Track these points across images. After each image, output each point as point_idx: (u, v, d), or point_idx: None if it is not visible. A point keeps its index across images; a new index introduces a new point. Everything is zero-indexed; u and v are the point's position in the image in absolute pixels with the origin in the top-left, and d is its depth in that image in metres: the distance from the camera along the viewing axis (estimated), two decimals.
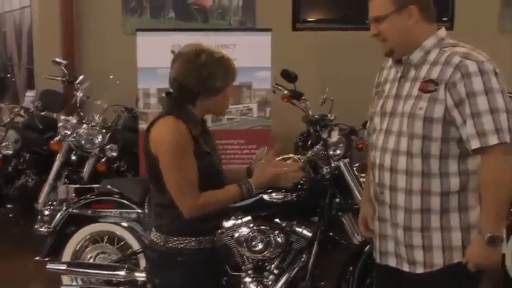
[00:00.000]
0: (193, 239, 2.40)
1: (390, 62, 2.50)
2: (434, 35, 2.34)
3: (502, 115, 2.17)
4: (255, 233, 3.33)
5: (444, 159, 2.28)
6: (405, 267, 2.40)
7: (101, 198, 4.06)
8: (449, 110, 2.22)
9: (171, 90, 2.44)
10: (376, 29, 2.35)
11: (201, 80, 2.34)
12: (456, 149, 2.26)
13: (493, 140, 2.16)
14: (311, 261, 3.41)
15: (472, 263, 2.25)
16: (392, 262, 2.46)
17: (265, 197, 3.36)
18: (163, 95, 2.49)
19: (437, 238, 2.31)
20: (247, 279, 3.35)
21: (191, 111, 2.39)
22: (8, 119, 5.78)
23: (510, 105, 2.20)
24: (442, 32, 2.37)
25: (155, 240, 2.45)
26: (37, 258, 4.03)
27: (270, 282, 3.33)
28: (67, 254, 3.99)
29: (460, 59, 2.21)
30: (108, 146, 5.17)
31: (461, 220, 2.30)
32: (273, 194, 3.35)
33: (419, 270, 2.36)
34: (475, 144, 2.18)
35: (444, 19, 5.93)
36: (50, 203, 4.18)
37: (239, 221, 3.39)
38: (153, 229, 2.49)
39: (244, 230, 3.35)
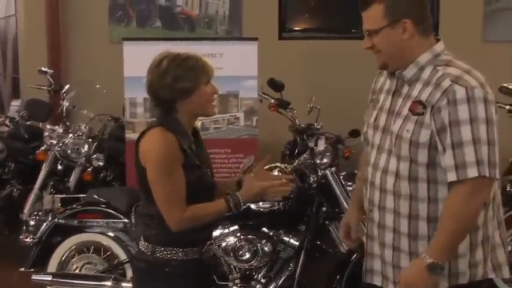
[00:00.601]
0: (180, 249, 2.39)
1: None
2: (430, 50, 2.24)
3: (483, 147, 2.07)
4: (242, 242, 3.33)
5: (433, 184, 2.19)
6: None
7: (87, 208, 4.04)
8: (433, 136, 2.14)
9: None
10: (370, 42, 2.26)
11: (167, 86, 2.34)
12: (444, 175, 2.15)
13: (472, 172, 2.07)
14: (298, 270, 3.42)
15: (402, 281, 2.19)
16: (377, 281, 2.40)
17: (253, 206, 3.36)
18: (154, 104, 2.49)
19: None
20: None
21: (176, 118, 2.39)
22: None
23: (494, 137, 2.11)
24: (439, 46, 2.26)
25: (143, 250, 2.44)
26: (22, 269, 4.00)
27: None
28: (52, 265, 3.96)
29: (450, 83, 2.12)
30: (94, 156, 5.14)
31: None
32: (260, 203, 3.35)
33: None
34: (451, 177, 2.10)
35: None
36: (35, 213, 4.15)
37: (226, 230, 3.39)
38: (141, 239, 2.47)
39: (231, 239, 3.35)
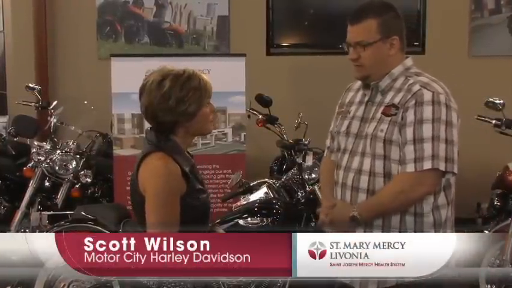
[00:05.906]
0: None
1: (357, 84, 2.60)
2: (402, 63, 2.48)
3: (441, 144, 2.30)
4: None
5: None
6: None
7: (75, 224, 4.01)
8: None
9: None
10: (356, 54, 2.44)
11: (170, 109, 2.22)
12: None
13: (427, 165, 2.28)
14: (287, 286, 3.40)
15: (333, 213, 2.42)
16: None
17: (241, 222, 3.35)
18: (148, 128, 2.36)
19: None
20: None
21: (174, 140, 2.27)
22: None
23: (453, 138, 2.32)
24: (409, 61, 2.52)
25: None
26: (9, 287, 3.96)
27: None
28: (39, 283, 3.92)
29: (419, 88, 2.37)
30: (82, 172, 5.10)
31: None
32: (249, 219, 3.35)
33: None
34: (410, 168, 2.31)
35: (415, 43, 6.02)
36: (22, 230, 4.11)
37: None
38: None
39: None
